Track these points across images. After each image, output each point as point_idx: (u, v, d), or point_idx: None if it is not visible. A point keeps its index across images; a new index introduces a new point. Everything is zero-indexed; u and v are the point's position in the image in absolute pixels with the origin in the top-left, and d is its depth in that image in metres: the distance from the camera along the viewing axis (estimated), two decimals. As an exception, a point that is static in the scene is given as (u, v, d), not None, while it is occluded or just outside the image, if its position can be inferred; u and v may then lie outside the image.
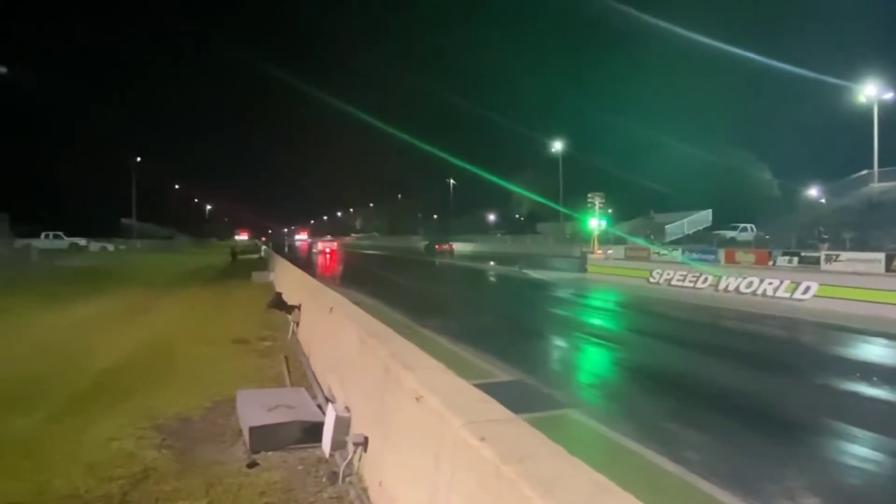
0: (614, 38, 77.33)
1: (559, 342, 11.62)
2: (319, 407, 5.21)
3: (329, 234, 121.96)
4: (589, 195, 29.33)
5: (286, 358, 7.83)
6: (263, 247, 50.43)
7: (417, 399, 2.95)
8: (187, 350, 8.54)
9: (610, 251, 29.54)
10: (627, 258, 28.35)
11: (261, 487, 3.96)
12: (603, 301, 17.94)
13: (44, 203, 57.68)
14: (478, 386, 3.04)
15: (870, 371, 8.60)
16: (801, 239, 27.28)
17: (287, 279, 14.86)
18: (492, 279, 28.74)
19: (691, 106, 53.95)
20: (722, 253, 25.97)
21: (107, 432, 4.98)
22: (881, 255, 19.42)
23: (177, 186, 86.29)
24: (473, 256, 46.95)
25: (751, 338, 12.23)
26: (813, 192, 42.29)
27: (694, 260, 24.66)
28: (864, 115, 32.14)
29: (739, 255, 25.11)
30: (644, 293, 19.37)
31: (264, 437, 4.60)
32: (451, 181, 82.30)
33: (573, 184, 49.44)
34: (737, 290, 17.42)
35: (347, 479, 3.92)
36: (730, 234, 35.46)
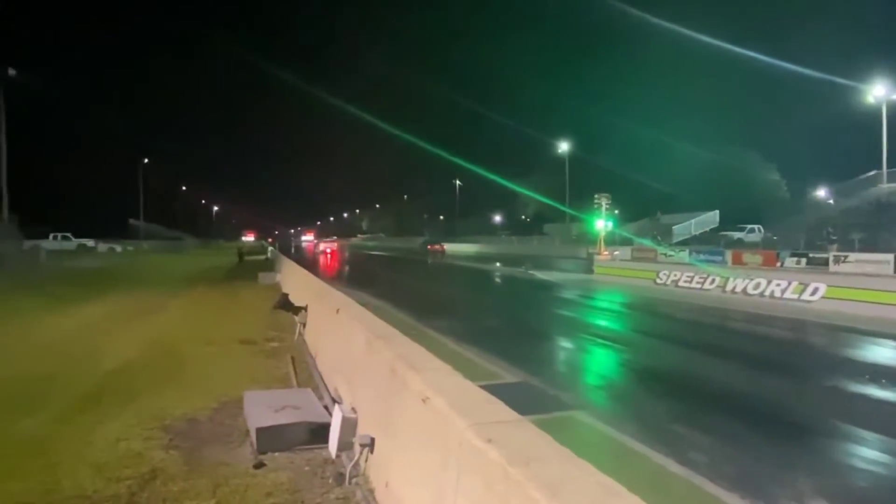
0: (620, 38, 77.25)
1: (565, 343, 11.59)
2: (326, 408, 5.22)
3: (335, 235, 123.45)
4: (595, 196, 29.27)
5: (293, 359, 7.85)
6: (270, 248, 50.62)
7: (424, 400, 2.95)
8: (194, 351, 8.58)
9: (616, 252, 29.46)
10: (634, 259, 28.26)
11: (267, 488, 3.97)
12: (609, 302, 17.89)
13: (52, 204, 58.09)
14: (484, 387, 3.04)
15: (879, 373, 8.53)
16: (809, 240, 27.12)
17: (293, 280, 14.91)
18: (498, 280, 28.71)
19: (698, 106, 53.84)
20: (729, 254, 25.89)
21: (115, 432, 5.01)
22: (890, 257, 19.32)
23: (184, 188, 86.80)
24: (478, 257, 46.93)
25: (758, 339, 12.16)
26: (821, 192, 42.02)
27: (701, 261, 24.55)
28: (872, 116, 31.95)
29: (747, 256, 25.01)
30: (651, 294, 19.30)
31: (271, 438, 4.61)
32: (457, 182, 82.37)
33: (580, 185, 49.33)
34: (744, 291, 17.32)
35: (354, 480, 3.92)
36: (737, 235, 35.29)
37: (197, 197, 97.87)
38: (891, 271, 18.49)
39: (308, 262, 35.63)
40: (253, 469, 4.28)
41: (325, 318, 7.37)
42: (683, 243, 36.82)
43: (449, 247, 58.85)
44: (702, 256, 26.41)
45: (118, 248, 49.84)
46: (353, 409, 4.34)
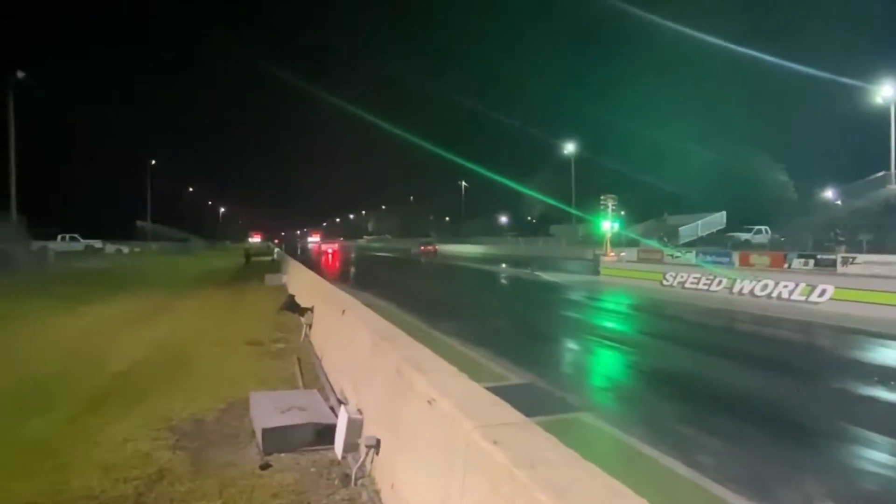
0: (627, 39, 76.99)
1: (571, 345, 11.56)
2: (332, 409, 5.23)
3: (341, 236, 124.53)
4: (601, 197, 29.15)
5: (299, 360, 7.87)
6: (276, 249, 50.82)
7: (430, 402, 2.95)
8: (201, 352, 8.61)
9: (623, 253, 29.40)
10: (640, 260, 28.22)
11: (273, 489, 3.98)
12: (615, 304, 17.83)
13: (60, 205, 58.43)
14: (490, 389, 3.04)
15: (888, 375, 8.46)
16: (817, 241, 26.98)
17: (300, 281, 14.95)
18: (503, 281, 28.67)
19: (705, 107, 53.67)
20: (736, 255, 25.79)
21: (122, 433, 5.03)
22: (899, 258, 19.16)
23: (191, 189, 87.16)
24: (484, 259, 46.90)
25: (766, 341, 12.09)
26: (829, 193, 41.68)
27: (708, 262, 24.47)
28: (881, 117, 31.72)
29: (754, 257, 24.90)
30: (657, 296, 19.22)
31: (277, 439, 4.63)
32: (463, 183, 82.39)
33: (586, 186, 49.26)
34: (751, 293, 17.23)
35: (360, 482, 3.93)
36: (744, 236, 35.12)
37: (203, 198, 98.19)
38: (900, 273, 18.34)
39: (313, 263, 35.70)
40: (259, 470, 4.30)
41: (331, 319, 7.38)
42: (690, 244, 36.70)
43: (454, 248, 61.72)
44: (709, 258, 26.32)
45: (125, 250, 50.17)
46: (359, 411, 4.35)
